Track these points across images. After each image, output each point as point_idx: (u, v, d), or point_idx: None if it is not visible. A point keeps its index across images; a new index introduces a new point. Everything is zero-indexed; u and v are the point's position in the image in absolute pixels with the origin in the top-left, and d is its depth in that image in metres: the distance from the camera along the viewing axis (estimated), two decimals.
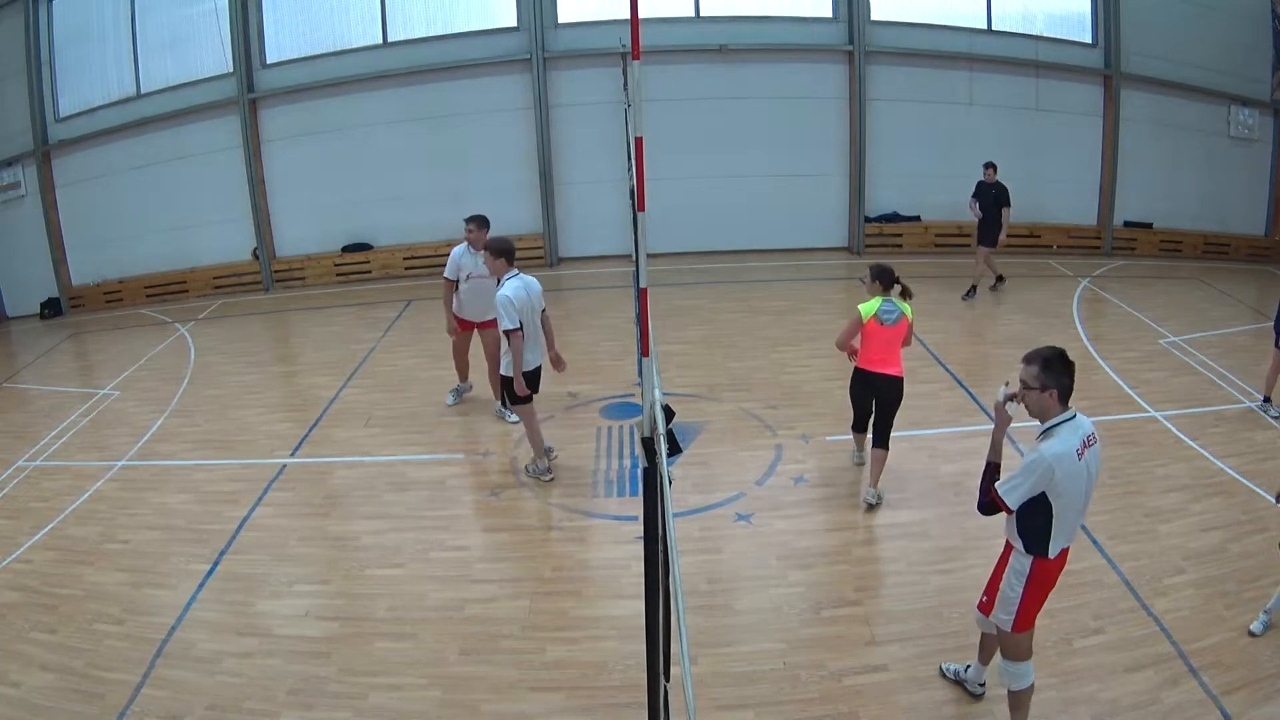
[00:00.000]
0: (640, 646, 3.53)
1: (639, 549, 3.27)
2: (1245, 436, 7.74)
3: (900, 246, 14.51)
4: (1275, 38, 14.16)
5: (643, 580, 2.99)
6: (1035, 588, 4.16)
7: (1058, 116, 14.45)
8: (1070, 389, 3.98)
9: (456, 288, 8.36)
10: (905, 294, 6.78)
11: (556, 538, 6.61)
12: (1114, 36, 14.14)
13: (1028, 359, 4.01)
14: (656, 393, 2.74)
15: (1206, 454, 7.43)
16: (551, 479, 7.38)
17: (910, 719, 4.70)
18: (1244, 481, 6.91)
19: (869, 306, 6.74)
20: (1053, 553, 4.10)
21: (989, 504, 4.11)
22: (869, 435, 6.92)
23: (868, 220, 14.82)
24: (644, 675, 3.29)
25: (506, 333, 6.93)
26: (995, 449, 4.21)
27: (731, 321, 11.44)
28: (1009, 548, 4.27)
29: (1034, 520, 4.05)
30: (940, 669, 4.98)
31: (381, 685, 5.07)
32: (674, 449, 2.87)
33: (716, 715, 4.72)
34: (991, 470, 4.17)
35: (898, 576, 5.88)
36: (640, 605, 3.15)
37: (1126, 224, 14.92)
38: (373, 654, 5.35)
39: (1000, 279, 12.47)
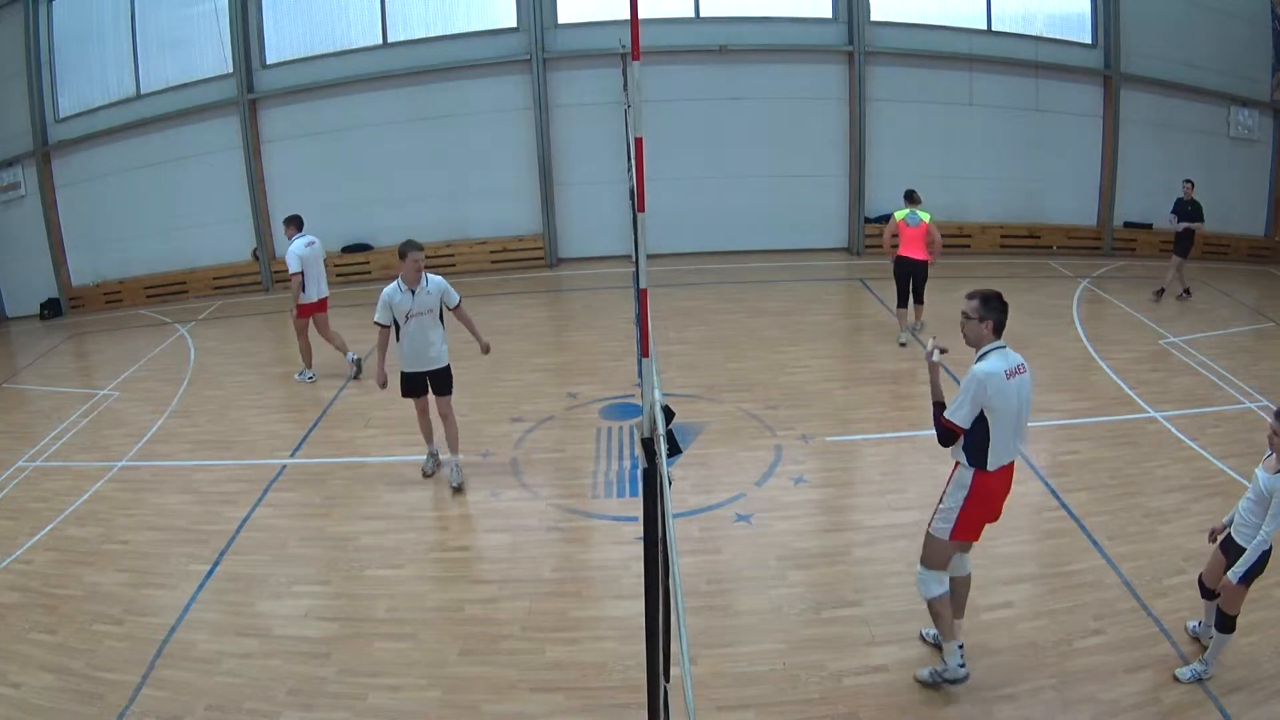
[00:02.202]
0: (640, 647, 3.52)
1: (639, 549, 3.27)
2: (1245, 437, 7.73)
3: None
4: (1275, 38, 14.17)
5: (643, 581, 2.99)
6: (975, 500, 4.63)
7: (1057, 117, 14.47)
8: (1003, 324, 4.61)
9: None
10: (916, 200, 10.23)
11: (556, 538, 6.61)
12: (1114, 37, 14.15)
13: (970, 295, 4.64)
14: (656, 393, 2.74)
15: (1206, 454, 7.43)
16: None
17: (910, 719, 4.69)
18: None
19: (900, 213, 10.17)
20: (992, 466, 4.58)
21: (945, 432, 4.59)
22: (910, 302, 10.28)
23: (867, 221, 14.82)
24: (644, 676, 3.29)
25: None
26: (936, 390, 4.78)
27: (731, 322, 11.44)
28: (955, 468, 4.74)
29: (974, 436, 4.56)
30: (921, 634, 5.23)
31: (381, 686, 5.07)
32: (674, 450, 2.87)
33: (716, 716, 4.72)
34: (938, 408, 4.67)
35: (898, 576, 5.88)
36: (640, 606, 3.15)
37: (1126, 224, 14.93)
38: (372, 654, 5.34)
39: (1187, 292, 12.19)
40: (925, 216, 10.04)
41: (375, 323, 7.08)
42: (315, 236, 9.89)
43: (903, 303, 10.29)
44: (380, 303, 6.99)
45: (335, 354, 10.23)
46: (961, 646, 4.83)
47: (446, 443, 7.46)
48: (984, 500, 4.63)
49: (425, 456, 7.69)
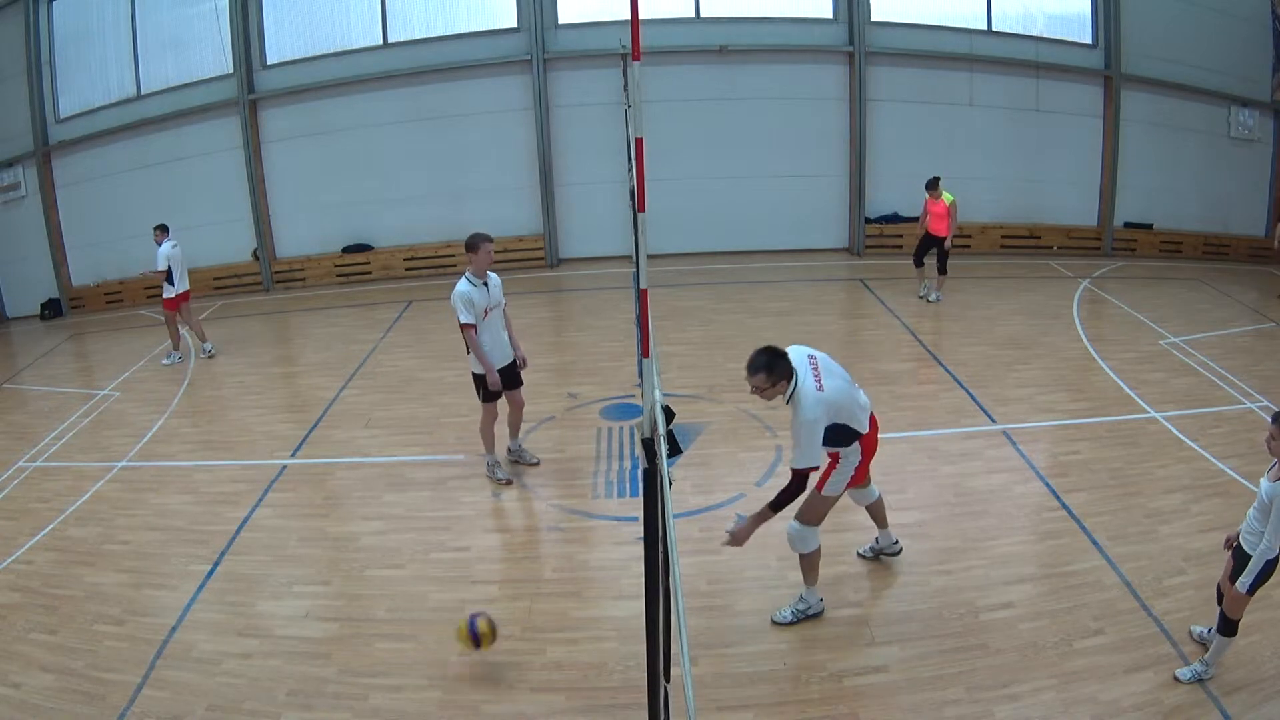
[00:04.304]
0: (640, 647, 3.53)
1: (639, 550, 3.27)
2: (1245, 437, 7.73)
3: (900, 248, 14.51)
4: (1275, 38, 14.17)
5: (643, 581, 2.99)
6: (866, 454, 5.18)
7: (1058, 117, 14.46)
8: (789, 366, 4.81)
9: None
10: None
11: (557, 539, 6.61)
12: (1114, 37, 14.14)
13: (751, 369, 4.79)
14: (657, 394, 2.74)
15: (1207, 455, 7.43)
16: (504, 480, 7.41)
17: (910, 719, 4.70)
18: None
19: (950, 196, 11.61)
20: (865, 430, 5.09)
21: (804, 479, 4.85)
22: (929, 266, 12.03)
23: (868, 221, 14.83)
24: (644, 676, 3.30)
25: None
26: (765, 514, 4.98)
27: (732, 322, 11.44)
28: (835, 458, 5.14)
29: (839, 435, 4.99)
30: (857, 552, 6.01)
31: (382, 686, 5.07)
32: (674, 450, 2.87)
33: (717, 716, 4.72)
34: (784, 496, 4.88)
35: (898, 577, 5.88)
36: (640, 606, 3.15)
37: (1127, 225, 14.93)
38: (373, 655, 5.34)
39: None
40: (949, 197, 11.74)
41: (464, 325, 6.79)
42: (178, 241, 11.32)
43: (919, 263, 12.15)
44: (460, 302, 6.75)
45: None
46: (821, 600, 5.46)
47: (517, 429, 7.58)
48: (871, 449, 5.21)
49: (496, 465, 7.44)
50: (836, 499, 5.23)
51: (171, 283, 11.07)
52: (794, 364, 4.85)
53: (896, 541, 5.98)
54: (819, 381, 4.84)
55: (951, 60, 14.25)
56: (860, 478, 5.30)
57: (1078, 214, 14.97)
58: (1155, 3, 14.15)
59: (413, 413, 8.98)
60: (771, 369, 4.77)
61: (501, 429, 7.49)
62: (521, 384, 7.38)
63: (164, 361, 11.21)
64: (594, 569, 6.24)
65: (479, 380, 7.09)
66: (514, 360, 7.23)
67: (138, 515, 7.24)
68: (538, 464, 7.62)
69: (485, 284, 6.88)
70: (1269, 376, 9.14)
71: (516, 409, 7.42)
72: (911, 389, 9.06)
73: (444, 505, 7.14)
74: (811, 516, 5.20)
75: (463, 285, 6.81)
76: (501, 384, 7.05)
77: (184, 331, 11.61)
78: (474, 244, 6.81)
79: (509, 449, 7.65)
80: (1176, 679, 4.78)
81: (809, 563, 5.31)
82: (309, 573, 6.31)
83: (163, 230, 11.16)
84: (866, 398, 5.26)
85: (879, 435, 5.32)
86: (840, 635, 5.32)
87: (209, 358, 11.26)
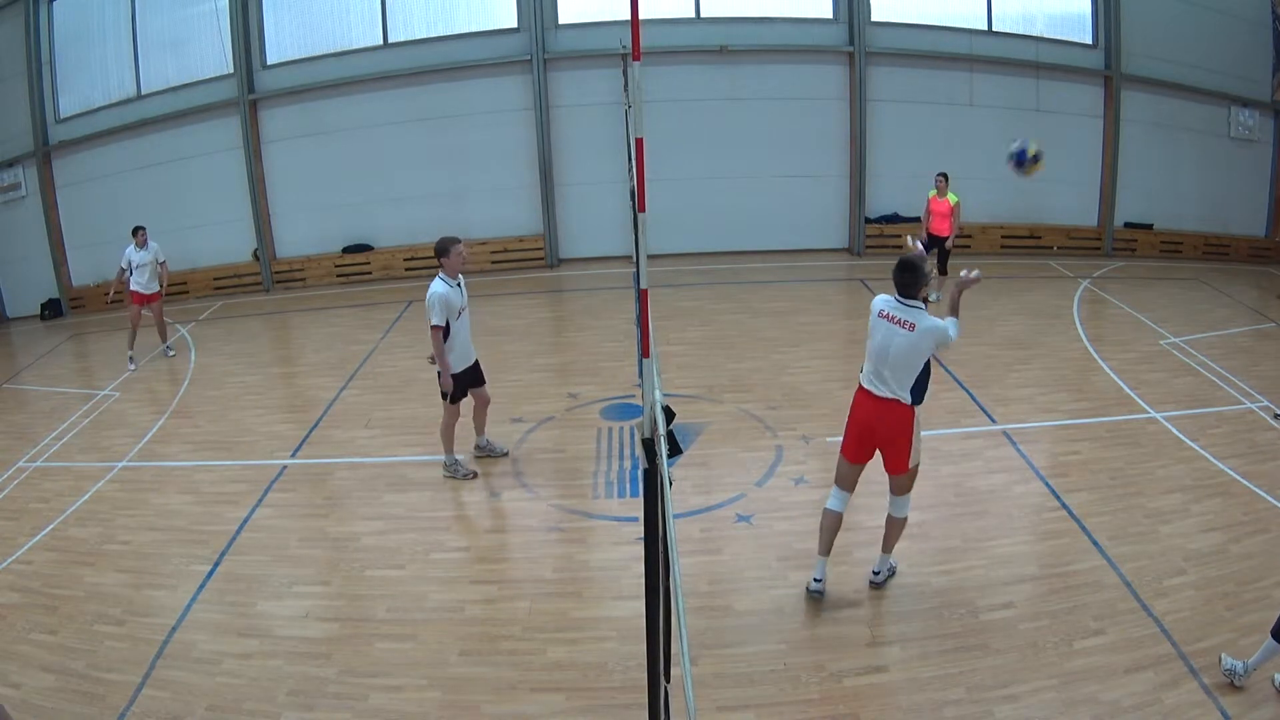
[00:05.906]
0: (641, 647, 3.52)
1: (639, 550, 3.28)
2: (1246, 437, 7.74)
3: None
4: (1275, 38, 14.17)
5: (643, 581, 2.99)
6: (849, 426, 5.43)
7: (1058, 117, 14.45)
8: (899, 283, 5.32)
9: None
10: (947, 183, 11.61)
11: (557, 539, 6.61)
12: (1114, 37, 14.15)
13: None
14: (657, 394, 2.74)
15: (1207, 455, 7.43)
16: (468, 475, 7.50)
17: (910, 719, 4.70)
18: (1244, 482, 6.91)
19: (954, 197, 11.67)
20: (861, 382, 5.39)
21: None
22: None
23: (868, 221, 14.83)
24: (644, 676, 3.29)
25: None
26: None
27: (732, 323, 11.44)
28: None
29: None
30: (870, 577, 5.81)
31: (382, 686, 5.07)
32: (674, 450, 2.87)
33: (717, 716, 4.72)
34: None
35: (898, 577, 5.88)
36: (641, 606, 3.15)
37: (1127, 225, 14.93)
38: (373, 655, 5.35)
39: None
40: (955, 197, 11.73)
41: (435, 327, 6.85)
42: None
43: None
44: (437, 303, 6.81)
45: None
46: (821, 580, 5.58)
47: (483, 426, 7.71)
48: (850, 413, 5.44)
49: (457, 464, 7.48)
50: (840, 457, 5.49)
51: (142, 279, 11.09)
52: (901, 302, 5.35)
53: (820, 580, 5.57)
54: (884, 312, 5.35)
55: (951, 60, 14.25)
56: (847, 443, 5.45)
57: (1078, 214, 14.97)
58: (1155, 3, 14.16)
59: (413, 413, 8.98)
60: (901, 270, 5.31)
61: (466, 428, 7.65)
62: (484, 382, 7.50)
63: (132, 367, 11.05)
64: (594, 569, 6.25)
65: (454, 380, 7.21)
66: (477, 360, 7.36)
67: (138, 515, 7.24)
68: (506, 454, 7.75)
69: (459, 284, 7.03)
70: (1269, 376, 9.14)
71: (483, 405, 7.57)
72: None
73: (444, 505, 7.15)
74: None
75: (440, 287, 6.90)
76: (468, 383, 7.28)
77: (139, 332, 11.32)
78: (445, 247, 6.94)
79: (476, 445, 7.76)
80: (1220, 660, 4.78)
81: (820, 524, 5.55)
82: (309, 573, 6.31)
83: (145, 231, 11.08)
84: (876, 384, 5.36)
85: (869, 434, 5.38)
86: (840, 635, 5.32)
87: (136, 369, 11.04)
